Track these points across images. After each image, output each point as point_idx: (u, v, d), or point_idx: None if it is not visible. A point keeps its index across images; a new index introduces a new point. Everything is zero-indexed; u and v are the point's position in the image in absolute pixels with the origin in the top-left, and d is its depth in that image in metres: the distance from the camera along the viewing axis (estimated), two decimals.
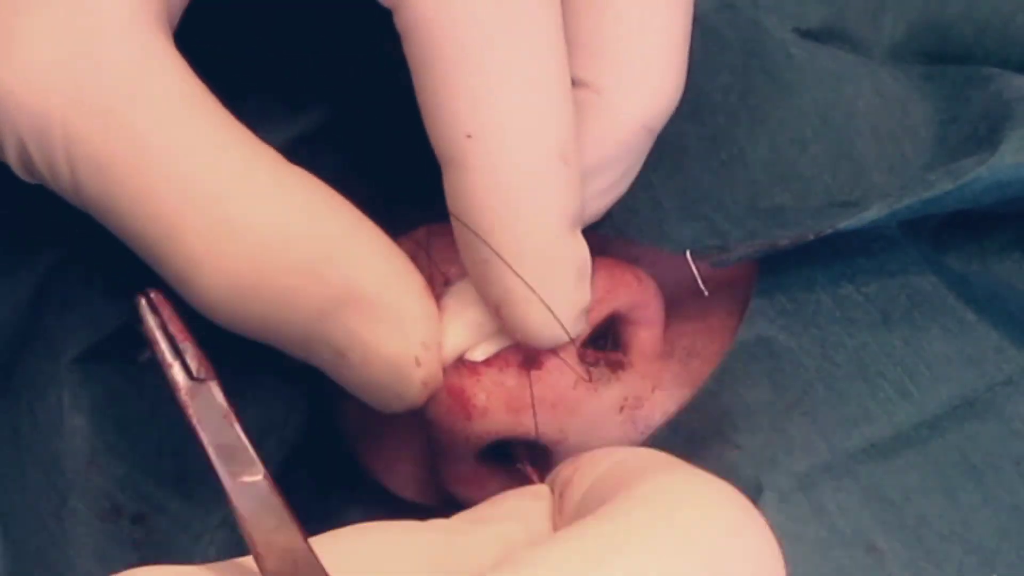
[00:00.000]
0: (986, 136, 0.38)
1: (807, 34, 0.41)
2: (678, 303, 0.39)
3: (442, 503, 0.39)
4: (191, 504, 0.39)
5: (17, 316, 0.40)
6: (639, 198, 0.39)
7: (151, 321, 0.29)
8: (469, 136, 0.33)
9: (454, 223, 0.34)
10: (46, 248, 0.40)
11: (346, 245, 0.33)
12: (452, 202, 0.34)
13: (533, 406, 0.36)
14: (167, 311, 0.30)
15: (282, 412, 0.39)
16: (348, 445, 0.40)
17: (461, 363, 0.36)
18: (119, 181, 0.32)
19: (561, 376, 0.36)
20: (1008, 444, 0.37)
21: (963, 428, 0.37)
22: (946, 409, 0.37)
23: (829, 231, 0.36)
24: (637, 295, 0.37)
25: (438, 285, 0.37)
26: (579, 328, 0.35)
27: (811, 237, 0.36)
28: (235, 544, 0.39)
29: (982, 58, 0.42)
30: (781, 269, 0.38)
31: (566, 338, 0.35)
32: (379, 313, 0.33)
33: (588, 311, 0.36)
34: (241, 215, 0.32)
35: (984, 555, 0.36)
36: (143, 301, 0.29)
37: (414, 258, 0.37)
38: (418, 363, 0.34)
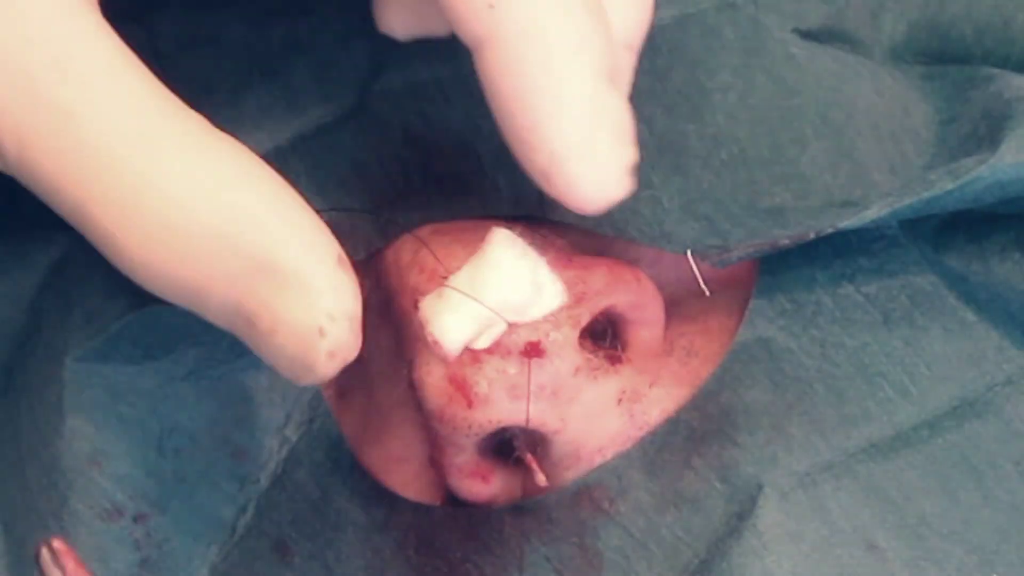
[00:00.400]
0: (986, 136, 0.38)
1: (807, 34, 0.42)
2: (678, 303, 0.39)
3: (445, 502, 0.39)
4: (192, 503, 0.39)
5: (20, 315, 0.40)
6: (639, 197, 0.39)
7: None
8: (491, 6, 0.33)
9: (496, 107, 0.34)
10: (47, 247, 0.40)
11: (258, 213, 0.33)
12: (490, 84, 0.34)
13: (528, 389, 0.36)
14: (71, 563, 0.29)
15: (282, 411, 0.39)
16: (349, 445, 0.40)
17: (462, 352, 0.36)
18: (41, 152, 0.32)
19: (562, 363, 0.36)
20: (1008, 444, 0.37)
21: (963, 428, 0.37)
22: (946, 409, 0.37)
23: (830, 230, 0.36)
24: (636, 293, 0.38)
25: (440, 280, 0.37)
26: (626, 188, 0.35)
27: (812, 236, 0.36)
28: (237, 543, 0.39)
29: (982, 58, 0.42)
30: (781, 269, 0.38)
31: (618, 195, 0.35)
32: (286, 281, 0.33)
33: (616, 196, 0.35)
34: (154, 183, 0.32)
35: (984, 555, 0.36)
36: (44, 552, 0.28)
37: (418, 255, 0.37)
38: (322, 333, 0.33)
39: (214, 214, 0.32)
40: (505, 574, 0.37)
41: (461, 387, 0.36)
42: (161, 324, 0.38)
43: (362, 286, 0.40)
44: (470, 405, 0.36)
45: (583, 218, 0.38)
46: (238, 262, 0.32)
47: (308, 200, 0.39)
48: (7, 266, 0.40)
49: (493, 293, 0.36)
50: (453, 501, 0.39)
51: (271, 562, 0.39)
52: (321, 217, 0.35)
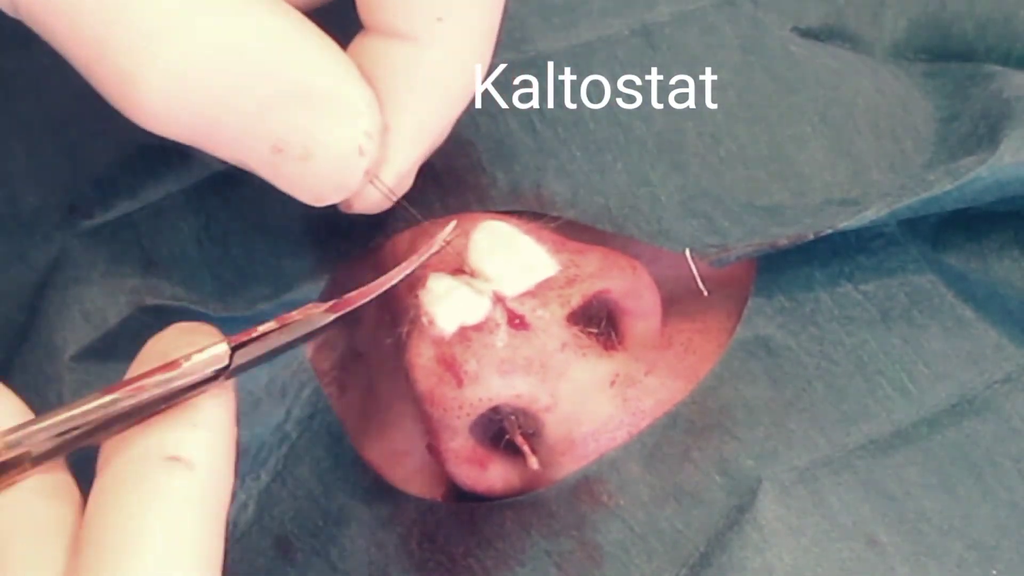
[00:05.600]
0: (986, 135, 0.38)
1: (806, 32, 0.41)
2: (676, 301, 0.39)
3: (447, 497, 0.40)
4: None
5: (18, 314, 0.40)
6: (638, 194, 0.39)
7: None
8: (440, 20, 0.34)
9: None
10: (45, 246, 0.40)
11: (291, 40, 0.33)
12: (398, 76, 0.35)
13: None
14: None
15: (282, 408, 0.39)
16: (350, 440, 0.40)
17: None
18: None
19: (548, 338, 0.36)
20: (1007, 442, 0.37)
21: (962, 426, 0.37)
22: (945, 407, 0.37)
23: (829, 231, 0.36)
24: (631, 280, 0.38)
25: (435, 265, 0.37)
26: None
27: (811, 236, 0.36)
28: (239, 540, 0.39)
29: (983, 55, 0.42)
30: (779, 267, 0.38)
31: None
32: (324, 104, 0.33)
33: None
34: (180, 11, 0.32)
35: (984, 551, 0.36)
36: None
37: (414, 243, 0.38)
38: (362, 152, 0.34)
39: (253, 41, 0.32)
40: (506, 568, 0.37)
41: (450, 366, 0.36)
42: (159, 321, 0.38)
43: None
44: (460, 384, 0.36)
45: (580, 214, 0.39)
46: (269, 87, 0.33)
47: None
48: (5, 264, 0.40)
49: (485, 273, 0.36)
50: (455, 496, 0.39)
51: (273, 559, 0.39)
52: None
